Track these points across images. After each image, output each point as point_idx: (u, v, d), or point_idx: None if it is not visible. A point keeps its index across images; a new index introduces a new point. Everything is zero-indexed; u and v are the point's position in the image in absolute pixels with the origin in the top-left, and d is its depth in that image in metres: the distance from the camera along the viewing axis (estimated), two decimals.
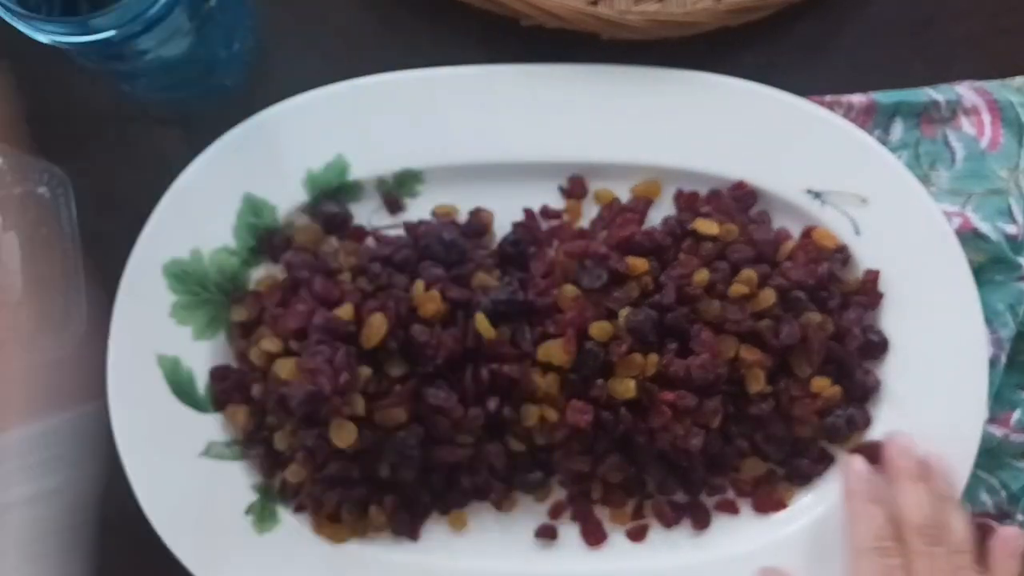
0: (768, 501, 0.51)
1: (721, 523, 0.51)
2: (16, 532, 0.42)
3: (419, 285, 0.48)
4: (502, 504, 0.51)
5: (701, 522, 0.51)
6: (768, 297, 0.49)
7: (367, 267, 0.49)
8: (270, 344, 0.48)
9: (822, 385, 0.50)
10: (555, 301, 0.48)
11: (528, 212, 0.52)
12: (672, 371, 0.48)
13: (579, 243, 0.49)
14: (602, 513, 0.51)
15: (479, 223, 0.51)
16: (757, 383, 0.49)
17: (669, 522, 0.51)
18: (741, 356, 0.48)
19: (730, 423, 0.50)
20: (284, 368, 0.47)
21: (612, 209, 0.52)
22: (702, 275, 0.49)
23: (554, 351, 0.47)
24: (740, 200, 0.51)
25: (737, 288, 0.49)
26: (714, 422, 0.48)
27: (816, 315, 0.49)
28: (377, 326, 0.47)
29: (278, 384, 0.47)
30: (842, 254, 0.51)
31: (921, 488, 0.47)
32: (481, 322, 0.47)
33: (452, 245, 0.49)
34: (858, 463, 0.49)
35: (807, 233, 0.51)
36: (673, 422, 0.48)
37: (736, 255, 0.50)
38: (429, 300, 0.47)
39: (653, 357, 0.48)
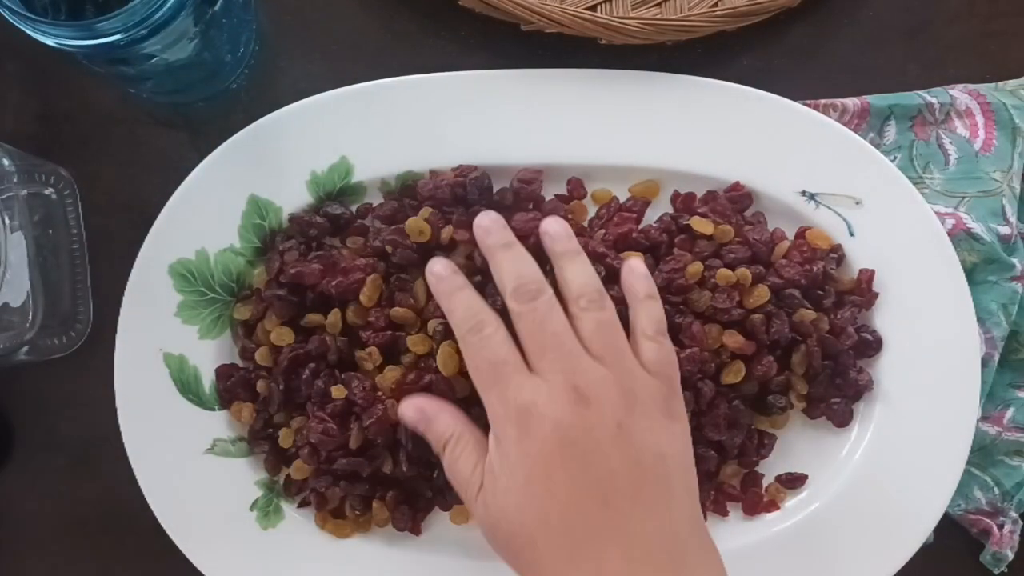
0: (758, 503, 0.52)
1: (713, 520, 0.52)
2: None
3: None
4: None
5: None
6: (762, 294, 0.49)
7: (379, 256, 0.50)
8: (279, 336, 0.49)
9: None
10: None
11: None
12: None
13: (578, 240, 0.50)
14: None
15: (529, 182, 0.51)
16: (735, 375, 0.49)
17: None
18: (724, 343, 0.49)
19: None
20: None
21: (610, 208, 0.52)
22: (696, 267, 0.49)
23: None
24: (736, 201, 0.52)
25: (724, 274, 0.49)
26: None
27: (810, 312, 0.50)
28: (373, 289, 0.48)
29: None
30: (836, 254, 0.51)
31: (510, 255, 0.45)
32: None
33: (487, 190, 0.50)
34: (435, 265, 0.46)
35: (801, 234, 0.52)
36: None
37: (731, 255, 0.50)
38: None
39: None
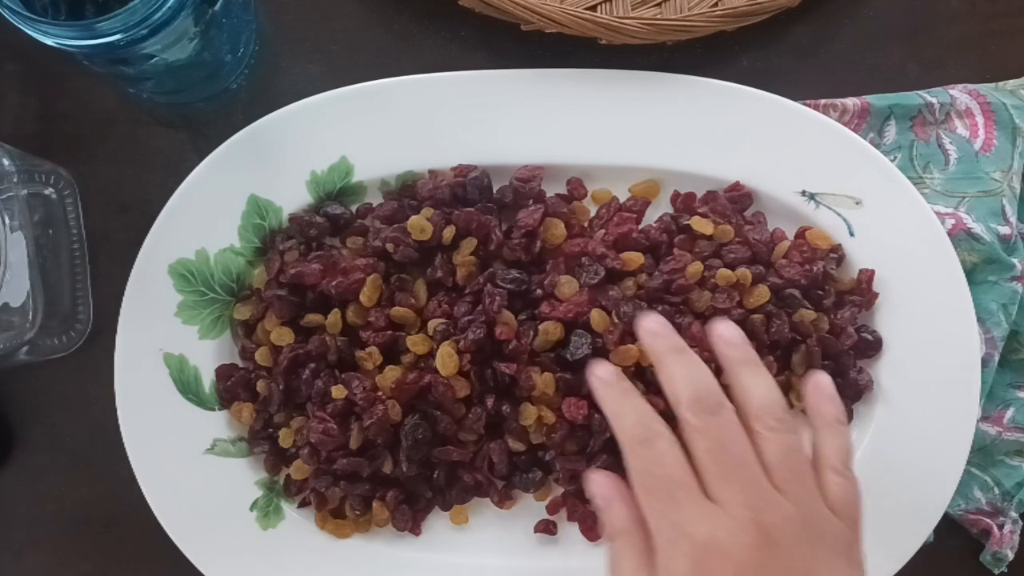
0: None
1: None
2: None
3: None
4: (503, 502, 0.51)
5: None
6: (763, 294, 0.49)
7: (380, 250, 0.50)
8: (279, 336, 0.49)
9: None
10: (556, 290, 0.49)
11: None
12: None
13: (578, 241, 0.50)
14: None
15: (527, 179, 0.51)
16: None
17: None
18: None
19: None
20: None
21: (610, 208, 0.52)
22: (696, 267, 0.49)
23: (551, 328, 0.48)
24: (736, 201, 0.52)
25: (724, 274, 0.49)
26: None
27: (810, 312, 0.50)
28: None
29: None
30: (836, 254, 0.51)
31: (683, 361, 0.41)
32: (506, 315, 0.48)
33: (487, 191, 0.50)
34: (599, 368, 0.43)
35: (801, 234, 0.52)
36: None
37: (731, 255, 0.50)
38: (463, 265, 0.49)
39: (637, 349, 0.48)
